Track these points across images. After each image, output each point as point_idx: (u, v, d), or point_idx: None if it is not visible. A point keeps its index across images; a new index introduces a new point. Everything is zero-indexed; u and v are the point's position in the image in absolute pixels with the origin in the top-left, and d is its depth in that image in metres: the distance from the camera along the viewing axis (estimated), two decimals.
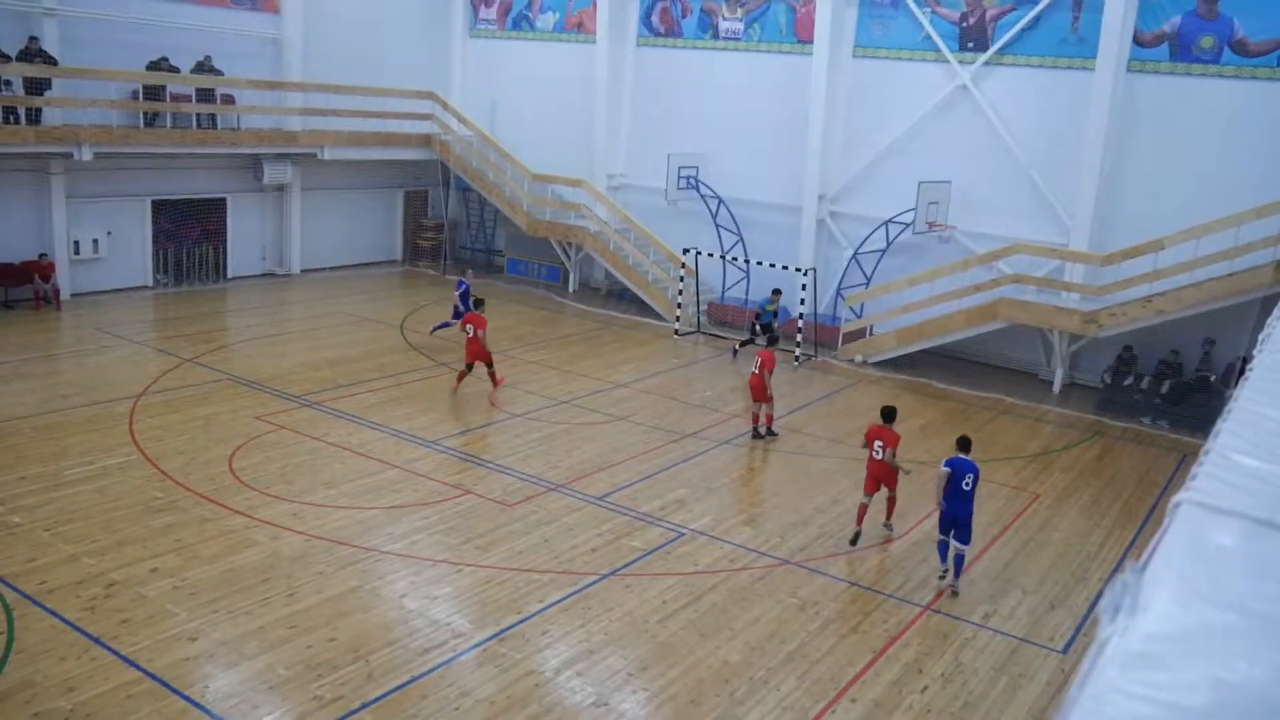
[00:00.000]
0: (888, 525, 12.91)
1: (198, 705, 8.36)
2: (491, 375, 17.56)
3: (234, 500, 12.45)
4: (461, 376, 17.38)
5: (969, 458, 11.40)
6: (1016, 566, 12.25)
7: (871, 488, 12.54)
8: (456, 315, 20.14)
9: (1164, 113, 19.73)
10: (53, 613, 9.59)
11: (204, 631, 9.47)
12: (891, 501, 12.84)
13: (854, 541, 12.47)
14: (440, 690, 8.80)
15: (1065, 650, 10.30)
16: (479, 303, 18.24)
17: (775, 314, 21.35)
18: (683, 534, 12.46)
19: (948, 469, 11.28)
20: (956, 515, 11.23)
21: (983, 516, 13.69)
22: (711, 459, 15.33)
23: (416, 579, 10.85)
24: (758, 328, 20.95)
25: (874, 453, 12.47)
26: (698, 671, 9.40)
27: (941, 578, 11.57)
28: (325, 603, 10.15)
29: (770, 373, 15.89)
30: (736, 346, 21.51)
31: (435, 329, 21.21)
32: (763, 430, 16.31)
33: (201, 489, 12.73)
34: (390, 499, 12.89)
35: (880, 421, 12.70)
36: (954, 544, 11.34)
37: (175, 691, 8.51)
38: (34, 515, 11.66)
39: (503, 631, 9.85)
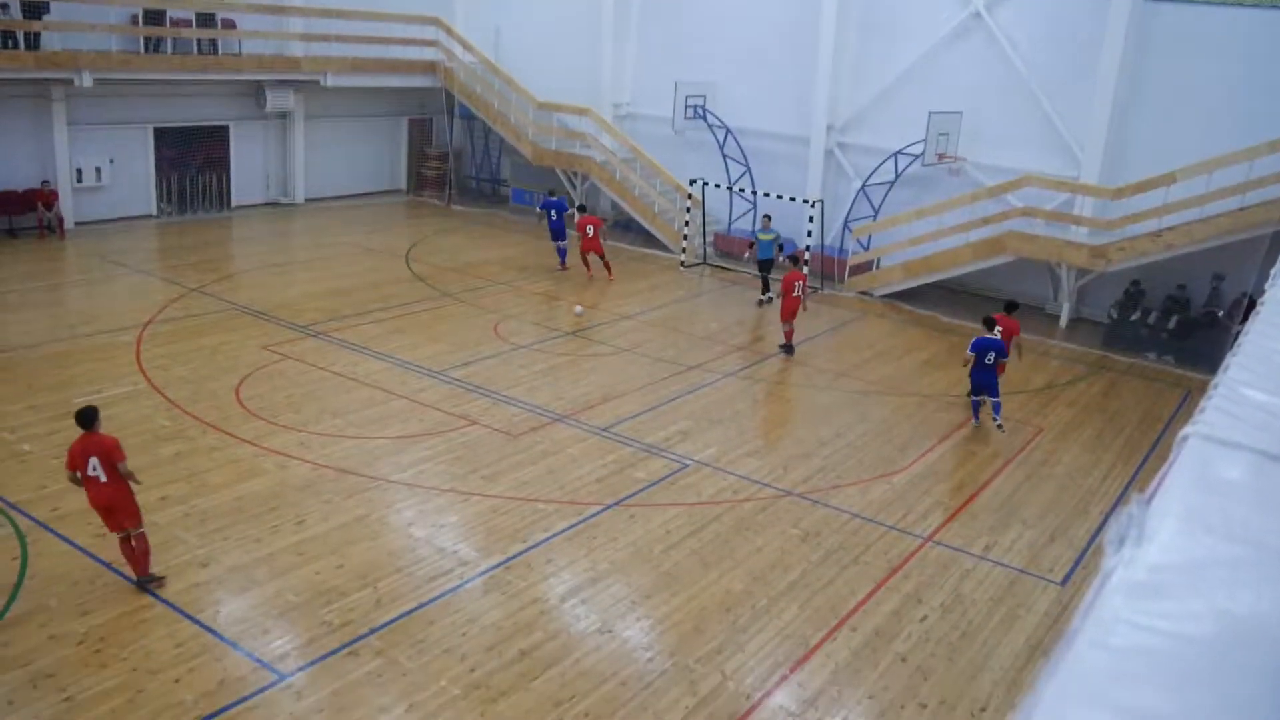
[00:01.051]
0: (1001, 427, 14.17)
1: (209, 629, 8.51)
2: (607, 266, 21.17)
3: (241, 429, 12.53)
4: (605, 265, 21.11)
5: (992, 335, 14.04)
6: (1018, 499, 12.34)
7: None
8: (558, 236, 21.93)
9: (1180, 43, 19.35)
10: (65, 539, 9.72)
11: (214, 558, 9.60)
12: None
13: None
14: (447, 616, 8.94)
15: (1064, 582, 10.41)
16: (583, 207, 22.49)
17: (777, 241, 21.03)
18: (687, 465, 12.55)
19: (973, 352, 13.85)
20: (985, 383, 14.01)
21: (985, 449, 13.78)
22: (716, 391, 15.37)
23: (423, 508, 10.96)
24: (783, 260, 20.40)
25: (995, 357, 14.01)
26: (700, 600, 9.53)
27: (975, 428, 14.48)
28: (333, 531, 10.26)
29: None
30: (762, 299, 20.81)
31: (563, 263, 22.02)
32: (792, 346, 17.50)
33: (209, 418, 12.81)
34: (397, 429, 12.96)
35: (1003, 312, 14.81)
36: (988, 400, 14.15)
37: (187, 616, 8.66)
38: (44, 443, 11.76)
39: (508, 560, 9.97)
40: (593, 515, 11.03)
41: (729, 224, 25.25)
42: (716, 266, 23.68)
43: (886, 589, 10.00)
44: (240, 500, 10.74)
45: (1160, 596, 1.57)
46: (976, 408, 14.49)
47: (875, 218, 22.79)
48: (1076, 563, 10.85)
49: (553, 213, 21.99)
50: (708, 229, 24.45)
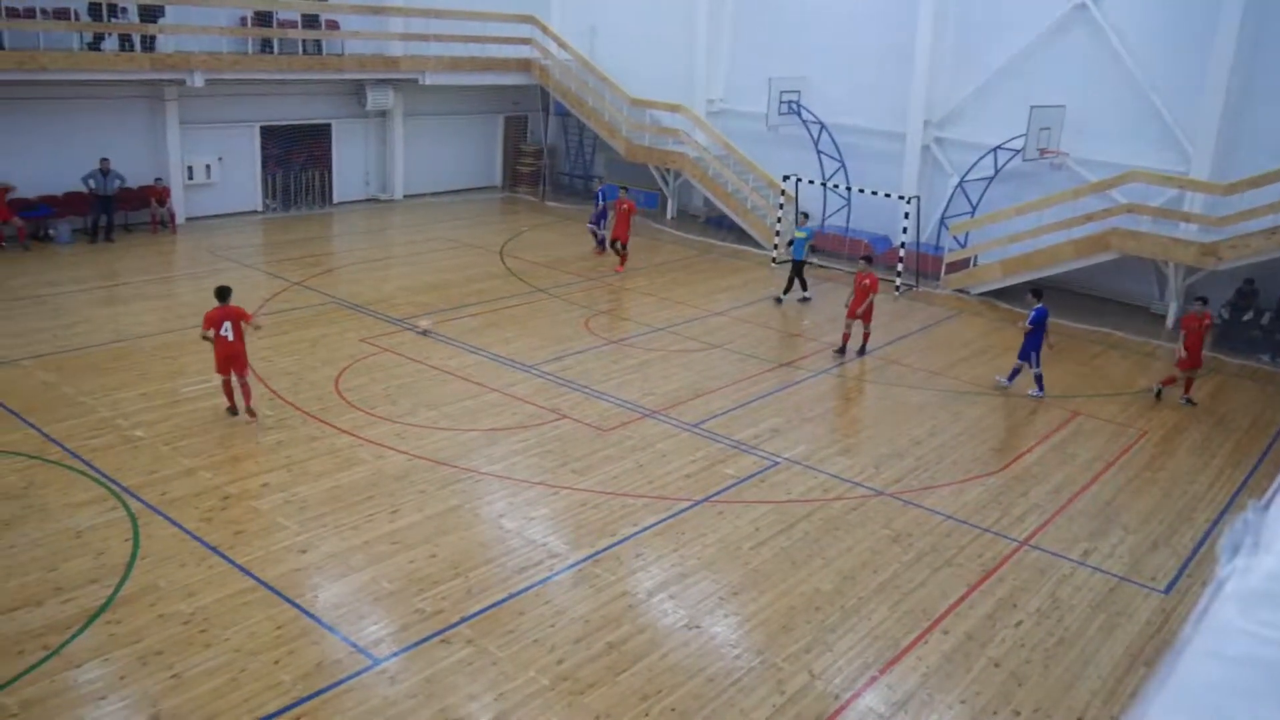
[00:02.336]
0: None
1: (308, 613, 8.75)
2: (623, 257, 21.17)
3: (340, 419, 12.85)
4: (619, 254, 21.20)
5: (1041, 304, 15.20)
6: (1119, 504, 11.96)
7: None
8: (598, 220, 22.84)
9: None
10: (173, 522, 10.10)
11: (312, 544, 9.87)
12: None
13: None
14: (536, 608, 9.04)
15: (1168, 591, 10.06)
16: (625, 189, 22.18)
17: (810, 240, 20.06)
18: (777, 462, 12.46)
19: (1032, 324, 15.16)
20: (1035, 348, 15.26)
21: (1085, 452, 13.39)
22: (807, 388, 15.23)
23: (514, 500, 11.10)
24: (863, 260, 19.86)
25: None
26: (789, 598, 9.46)
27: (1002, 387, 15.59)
28: (427, 520, 10.46)
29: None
30: (781, 297, 19.97)
31: (598, 242, 22.79)
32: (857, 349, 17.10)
33: (309, 408, 13.17)
34: (489, 421, 13.15)
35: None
36: (1031, 370, 15.35)
37: (286, 599, 8.92)
38: (154, 430, 12.23)
39: (598, 553, 10.04)
40: (682, 511, 11.04)
41: (823, 220, 24.98)
42: (809, 263, 23.42)
43: (980, 592, 9.80)
44: (338, 489, 11.02)
45: (1278, 607, 1.50)
46: (1017, 372, 15.59)
47: (973, 214, 22.31)
48: (1181, 571, 10.48)
49: (601, 199, 23.13)
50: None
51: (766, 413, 14.11)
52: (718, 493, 11.53)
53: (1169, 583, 10.23)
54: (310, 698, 7.66)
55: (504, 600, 9.11)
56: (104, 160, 20.74)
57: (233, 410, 12.72)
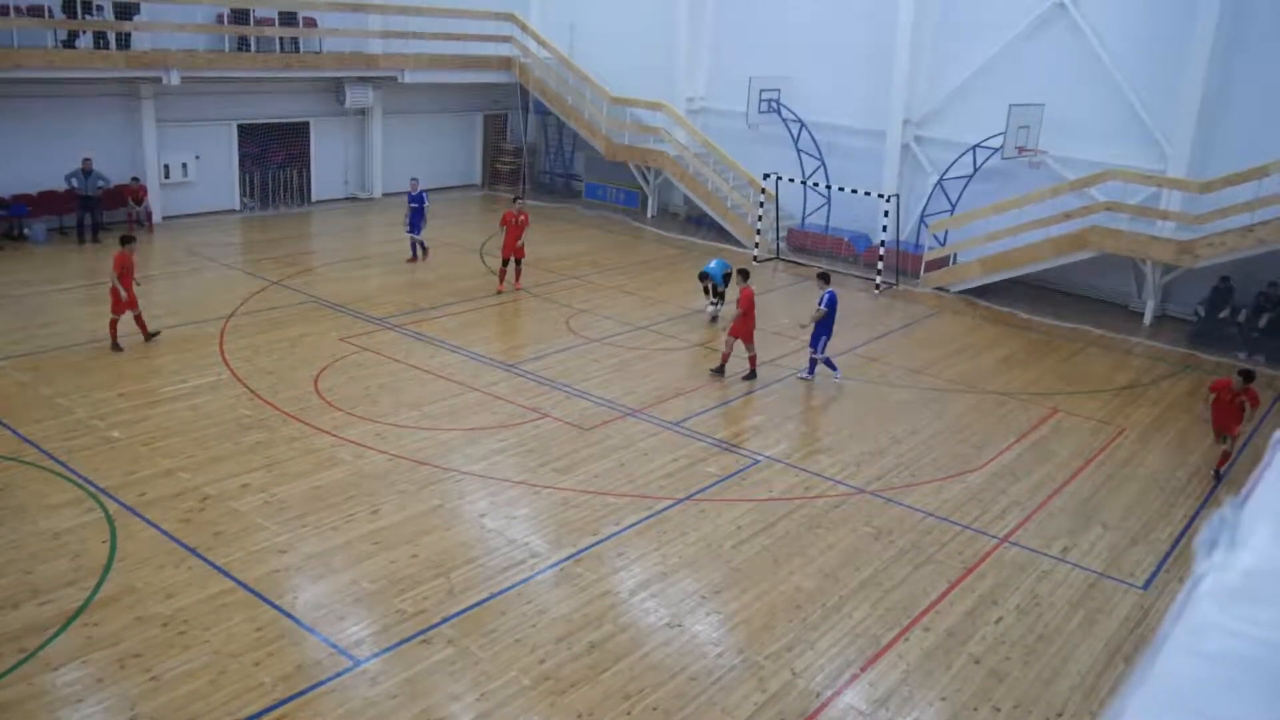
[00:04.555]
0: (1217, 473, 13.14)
1: (288, 614, 8.70)
2: (517, 273, 19.45)
3: (320, 419, 12.79)
4: (501, 274, 19.33)
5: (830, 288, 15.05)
6: (1098, 501, 12.04)
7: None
8: (414, 225, 20.92)
9: (1274, 31, 18.66)
10: (152, 523, 10.02)
11: (292, 545, 9.81)
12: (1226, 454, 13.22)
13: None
14: (518, 607, 9.02)
15: (1146, 586, 10.14)
16: (517, 199, 20.63)
17: (726, 274, 18.21)
18: (758, 461, 12.48)
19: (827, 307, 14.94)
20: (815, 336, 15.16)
21: (1064, 449, 13.47)
22: (788, 387, 15.26)
23: (496, 499, 11.07)
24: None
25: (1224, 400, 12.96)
26: (771, 597, 9.48)
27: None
28: (407, 520, 10.42)
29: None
30: (715, 312, 18.43)
31: (415, 252, 21.16)
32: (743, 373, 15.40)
33: (289, 408, 13.09)
34: (470, 421, 13.11)
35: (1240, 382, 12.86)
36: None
37: (266, 601, 8.87)
38: (132, 430, 12.13)
39: (579, 552, 10.03)
40: (664, 509, 11.04)
41: (803, 219, 25.05)
42: (790, 261, 23.51)
43: (961, 589, 9.84)
44: (318, 489, 10.97)
45: (1256, 602, 1.51)
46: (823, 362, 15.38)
47: (952, 212, 22.41)
48: (1159, 567, 10.57)
49: (413, 204, 20.90)
50: (782, 224, 24.28)
51: (748, 411, 14.14)
52: (699, 491, 11.53)
53: (1147, 579, 10.31)
54: (291, 699, 7.62)
55: (486, 600, 9.09)
56: (86, 160, 20.55)
57: (118, 346, 14.59)
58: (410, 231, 21.03)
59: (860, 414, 14.45)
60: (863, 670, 8.47)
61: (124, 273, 14.76)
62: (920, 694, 8.22)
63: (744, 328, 14.96)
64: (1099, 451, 13.52)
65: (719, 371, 15.25)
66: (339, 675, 7.95)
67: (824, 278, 15.46)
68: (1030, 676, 8.53)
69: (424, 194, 21.09)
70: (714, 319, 18.09)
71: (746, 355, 15.21)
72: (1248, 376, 12.84)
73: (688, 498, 11.35)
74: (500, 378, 14.72)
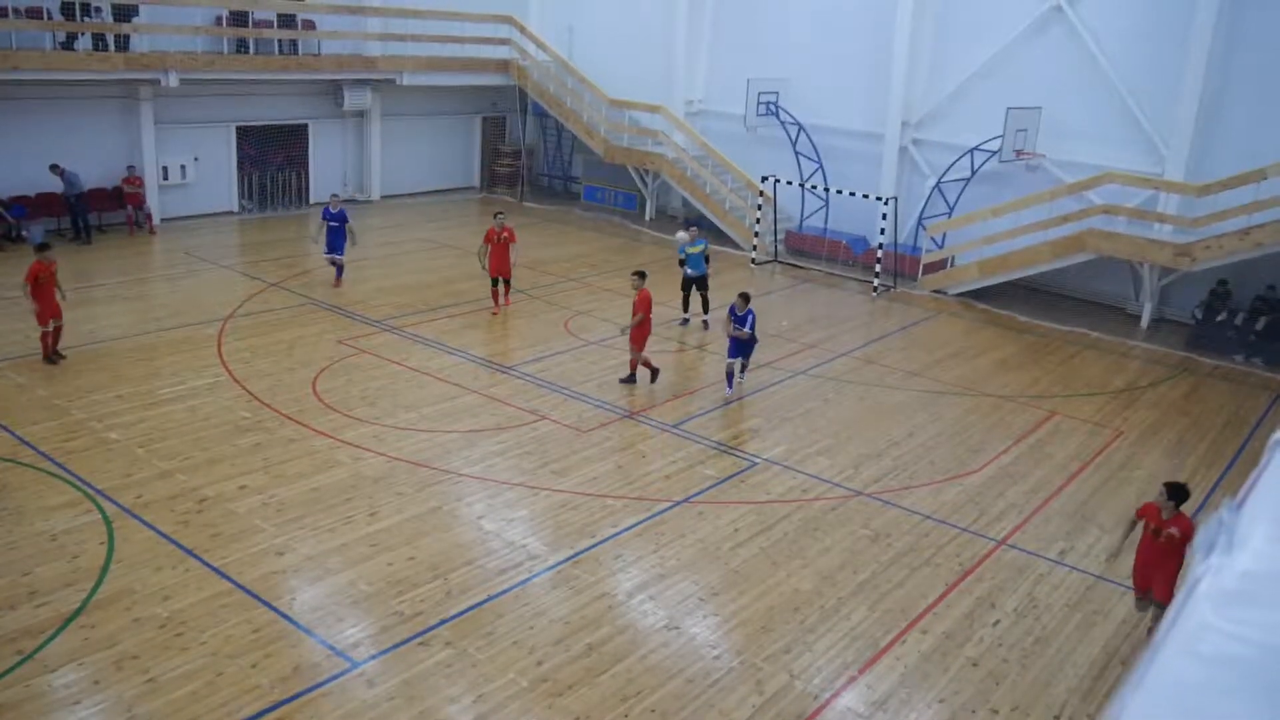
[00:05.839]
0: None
1: (285, 616, 8.69)
2: (506, 290, 18.27)
3: (318, 421, 12.78)
4: (494, 295, 18.23)
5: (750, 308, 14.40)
6: (1095, 504, 12.05)
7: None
8: (333, 245, 18.93)
9: (1272, 35, 18.69)
10: (149, 525, 10.01)
11: (290, 547, 9.80)
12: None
13: None
14: (516, 609, 9.02)
15: None
16: (499, 214, 18.50)
17: (705, 252, 18.01)
18: (756, 463, 12.49)
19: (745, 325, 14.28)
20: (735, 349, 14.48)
21: (1061, 452, 13.48)
22: (786, 389, 15.26)
23: (494, 501, 11.07)
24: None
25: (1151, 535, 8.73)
26: (769, 599, 9.48)
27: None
28: (405, 522, 10.42)
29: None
30: (687, 318, 18.30)
31: (338, 271, 19.29)
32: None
33: (287, 410, 13.09)
34: (468, 423, 13.11)
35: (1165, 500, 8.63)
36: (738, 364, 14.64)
37: (264, 602, 8.86)
38: (129, 432, 12.12)
39: (577, 554, 10.03)
40: (661, 512, 11.04)
41: (801, 221, 25.07)
42: (788, 264, 23.52)
43: (958, 592, 9.85)
44: (316, 491, 10.96)
45: (1252, 604, 1.51)
46: (733, 374, 14.67)
47: (950, 215, 22.43)
48: None
49: (332, 222, 19.00)
50: (780, 226, 24.29)
51: (746, 413, 14.14)
52: (697, 494, 11.53)
53: None
54: (288, 701, 7.61)
55: (483, 602, 9.09)
56: (52, 165, 20.45)
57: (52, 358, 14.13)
58: (328, 252, 19.03)
59: (858, 417, 14.45)
60: (860, 672, 8.47)
61: (38, 283, 13.82)
62: (918, 696, 8.22)
63: (640, 333, 14.45)
64: (1096, 454, 13.53)
65: (630, 380, 14.76)
66: (337, 677, 7.94)
67: (745, 297, 14.41)
68: (1028, 679, 8.53)
69: (344, 211, 19.10)
70: (704, 325, 17.53)
71: (631, 356, 14.70)
72: (1178, 494, 8.52)
73: (686, 500, 11.35)
74: (498, 380, 14.72)
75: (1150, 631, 8.61)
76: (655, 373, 14.82)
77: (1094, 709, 8.17)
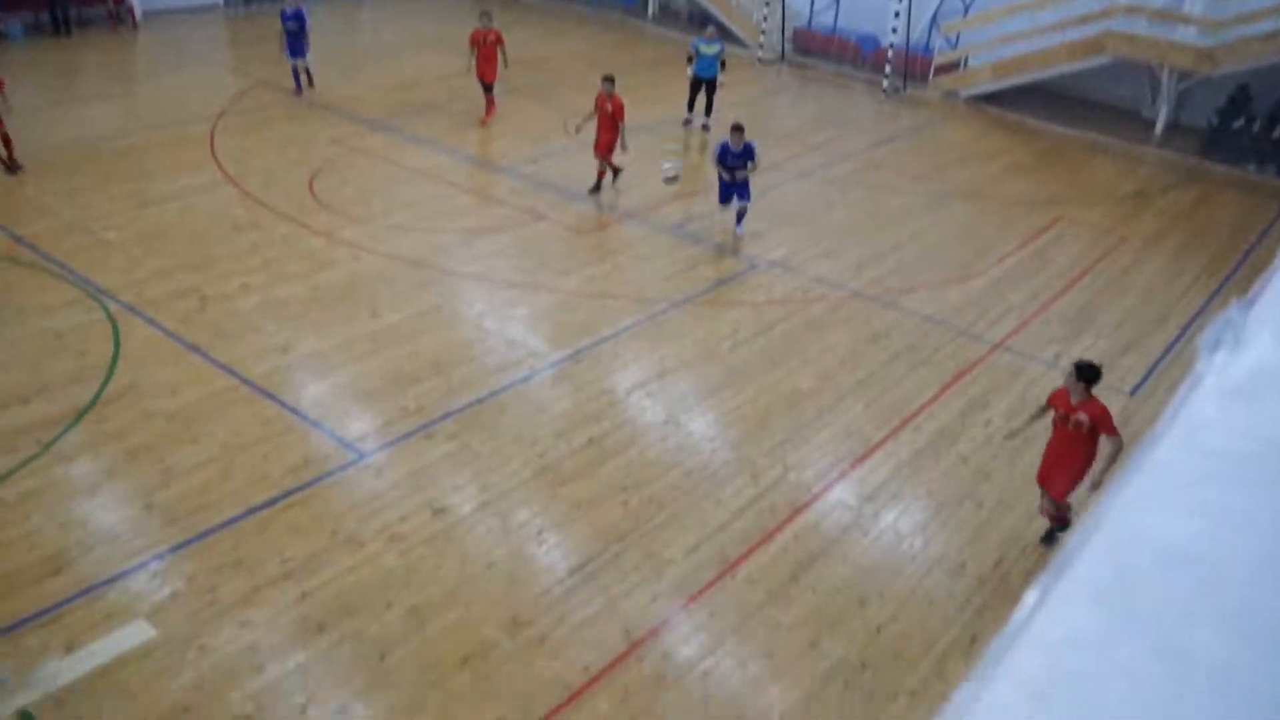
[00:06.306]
0: None
1: (293, 409, 8.87)
2: (491, 102, 16.99)
3: (314, 221, 12.67)
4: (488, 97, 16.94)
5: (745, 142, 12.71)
6: (1094, 309, 12.10)
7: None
8: (294, 49, 17.25)
9: None
10: (153, 322, 10.08)
11: (293, 344, 9.90)
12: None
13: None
14: (517, 404, 9.19)
15: (1133, 393, 10.30)
16: (486, 14, 16.71)
17: (721, 55, 17.22)
18: (757, 265, 12.46)
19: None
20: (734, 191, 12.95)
21: (1065, 258, 13.43)
22: (790, 191, 15.06)
23: (493, 300, 11.11)
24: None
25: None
26: (767, 396, 9.66)
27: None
28: (406, 320, 10.49)
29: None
30: (690, 118, 17.78)
31: (297, 83, 17.70)
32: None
33: (283, 209, 12.95)
34: (466, 223, 13.00)
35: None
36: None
37: (271, 396, 9.02)
38: (125, 232, 12.03)
39: (577, 352, 10.14)
40: (661, 312, 11.09)
41: (810, 19, 24.07)
42: (796, 63, 22.75)
43: (953, 392, 10.02)
44: (316, 289, 10.98)
45: (1258, 401, 1.50)
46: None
47: (965, 14, 21.51)
48: (1148, 374, 10.71)
49: (289, 23, 17.25)
50: (787, 24, 23.35)
51: (749, 216, 13.98)
52: (697, 294, 11.56)
53: (1135, 385, 10.47)
54: (299, 490, 7.86)
55: (486, 397, 9.26)
56: None
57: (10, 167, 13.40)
58: (291, 57, 17.35)
59: (861, 219, 14.32)
60: (853, 466, 8.72)
61: None
62: (907, 489, 8.49)
63: (609, 139, 13.89)
64: (1098, 260, 13.48)
65: (596, 189, 14.22)
66: (345, 468, 8.18)
67: (739, 128, 12.80)
68: (1015, 475, 8.78)
69: (302, 10, 17.22)
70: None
71: (600, 166, 14.15)
72: (1088, 374, 7.39)
73: (685, 300, 11.39)
74: (495, 179, 14.51)
75: (1055, 518, 7.94)
76: (617, 172, 14.39)
77: (1080, 504, 8.42)
